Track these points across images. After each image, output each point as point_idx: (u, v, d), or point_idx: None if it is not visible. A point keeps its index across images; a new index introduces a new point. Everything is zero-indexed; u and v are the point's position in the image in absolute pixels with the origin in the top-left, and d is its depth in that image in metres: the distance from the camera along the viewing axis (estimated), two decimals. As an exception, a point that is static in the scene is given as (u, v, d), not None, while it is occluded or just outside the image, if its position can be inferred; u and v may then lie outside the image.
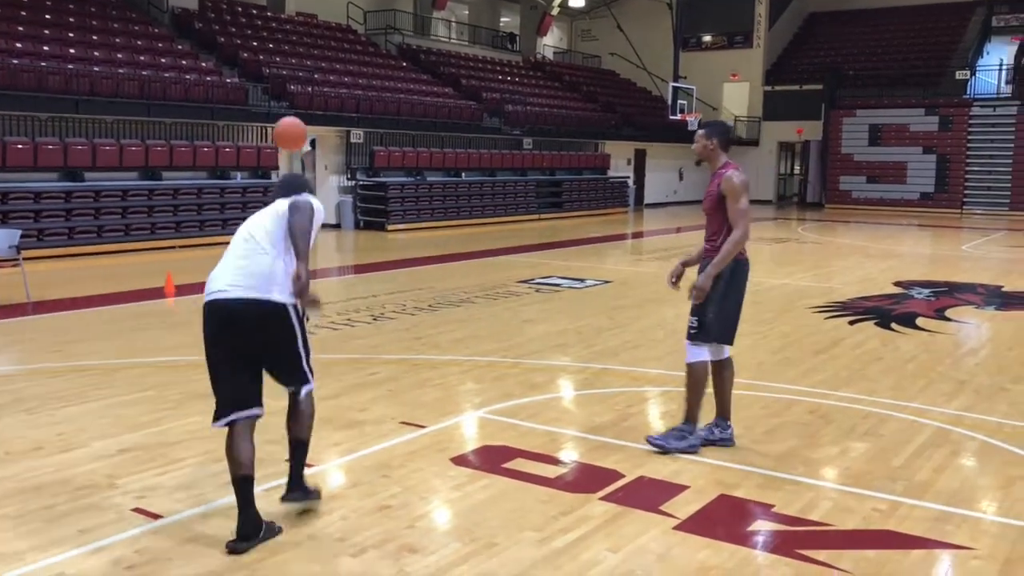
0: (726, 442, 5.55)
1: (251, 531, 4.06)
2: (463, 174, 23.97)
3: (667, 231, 23.12)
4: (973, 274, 14.66)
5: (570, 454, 5.45)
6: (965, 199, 31.45)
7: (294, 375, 4.24)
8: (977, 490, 4.97)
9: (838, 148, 33.79)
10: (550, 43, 37.93)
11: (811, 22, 39.41)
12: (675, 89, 27.34)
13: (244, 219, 4.36)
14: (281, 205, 4.18)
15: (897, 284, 13.01)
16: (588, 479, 5.02)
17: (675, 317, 9.54)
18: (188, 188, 17.19)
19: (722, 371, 5.56)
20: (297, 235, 4.04)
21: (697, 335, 5.38)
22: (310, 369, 4.28)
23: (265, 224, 4.18)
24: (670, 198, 34.16)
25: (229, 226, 17.04)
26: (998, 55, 34.18)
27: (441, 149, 23.53)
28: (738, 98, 37.23)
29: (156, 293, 11.20)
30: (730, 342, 5.50)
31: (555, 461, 5.31)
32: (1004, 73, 32.84)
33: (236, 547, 4.02)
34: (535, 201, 25.84)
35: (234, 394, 4.08)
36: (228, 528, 4.21)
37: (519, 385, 7.07)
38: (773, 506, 4.65)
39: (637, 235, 23.16)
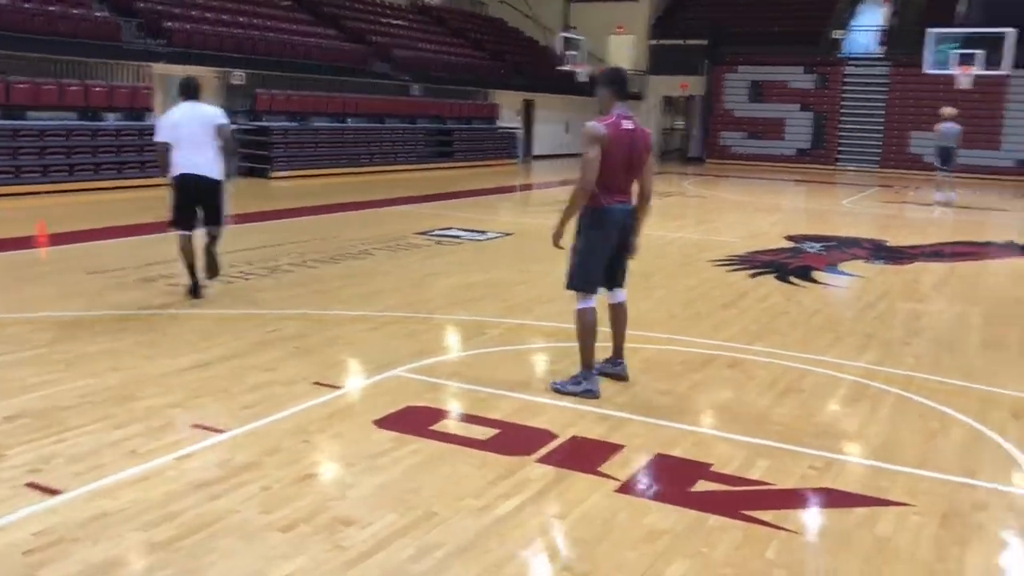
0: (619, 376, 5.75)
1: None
2: (350, 120, 23.22)
3: (561, 184, 23.00)
4: (856, 228, 15.11)
5: (498, 414, 5.24)
6: (839, 155, 32.56)
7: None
8: (903, 445, 5.01)
9: (720, 104, 34.39)
10: (436, -13, 37.00)
11: (696, -23, 39.72)
12: (565, 39, 27.12)
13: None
14: (208, 113, 7.55)
15: (789, 238, 13.27)
16: (521, 440, 4.82)
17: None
18: (55, 129, 15.96)
19: (616, 314, 5.74)
20: (234, 147, 7.84)
21: (566, 283, 5.55)
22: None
23: (208, 130, 7.45)
24: (558, 150, 34.10)
25: (102, 171, 15.95)
26: (871, 17, 35.30)
27: (327, 93, 22.69)
28: (624, 51, 37.30)
29: (26, 242, 10.35)
30: (592, 290, 5.56)
31: (484, 422, 5.10)
32: (878, 34, 33.96)
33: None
34: (425, 150, 25.31)
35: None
36: (140, 503, 3.85)
37: (434, 342, 6.82)
38: (711, 465, 4.56)
39: (528, 187, 22.99)
